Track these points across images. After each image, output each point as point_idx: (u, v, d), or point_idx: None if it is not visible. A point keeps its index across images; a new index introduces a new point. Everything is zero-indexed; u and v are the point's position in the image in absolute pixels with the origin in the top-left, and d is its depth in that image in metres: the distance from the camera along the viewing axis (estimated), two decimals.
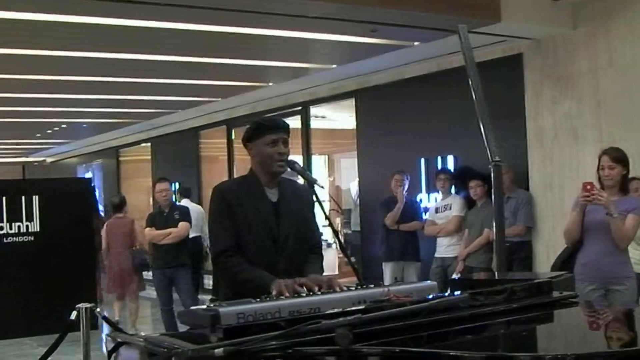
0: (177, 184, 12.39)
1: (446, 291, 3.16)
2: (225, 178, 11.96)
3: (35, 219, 10.22)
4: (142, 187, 16.67)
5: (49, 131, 15.59)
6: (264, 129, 3.77)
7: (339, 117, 13.00)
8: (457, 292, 2.95)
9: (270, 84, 10.47)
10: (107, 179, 19.25)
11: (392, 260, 8.92)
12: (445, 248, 8.42)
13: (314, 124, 11.98)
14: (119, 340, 2.91)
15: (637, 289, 5.42)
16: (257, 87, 10.66)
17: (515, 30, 7.62)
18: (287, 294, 3.21)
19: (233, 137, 13.00)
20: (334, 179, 16.49)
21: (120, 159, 18.61)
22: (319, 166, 14.93)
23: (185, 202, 11.03)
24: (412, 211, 9.01)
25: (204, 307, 2.79)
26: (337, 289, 3.24)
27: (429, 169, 9.25)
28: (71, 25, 6.83)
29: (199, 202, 12.66)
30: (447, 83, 8.65)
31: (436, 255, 8.50)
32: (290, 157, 3.80)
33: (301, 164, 4.20)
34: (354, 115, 10.70)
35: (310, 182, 3.90)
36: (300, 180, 4.22)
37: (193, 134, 14.37)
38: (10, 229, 10.11)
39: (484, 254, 7.96)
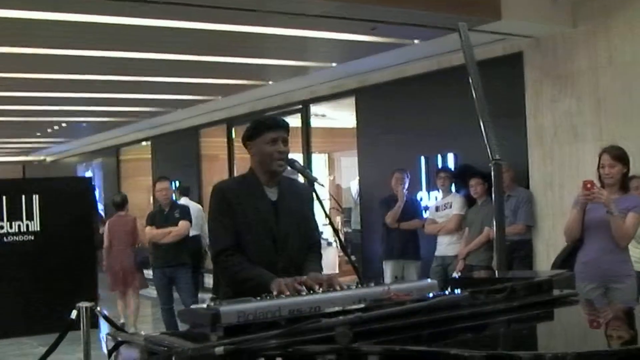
0: (176, 183, 12.39)
1: (446, 290, 3.16)
2: (226, 177, 11.96)
3: (35, 218, 10.24)
4: (142, 186, 16.67)
5: (49, 130, 15.59)
6: (263, 127, 3.76)
7: (339, 115, 13.00)
8: (457, 291, 2.95)
9: (271, 82, 10.47)
10: (107, 177, 19.26)
11: (392, 259, 8.92)
12: (446, 246, 8.42)
13: (314, 122, 11.98)
14: (120, 339, 2.92)
15: (638, 287, 5.42)
16: (257, 85, 10.66)
17: (516, 28, 7.62)
18: (288, 293, 3.21)
19: (233, 135, 13.00)
20: (334, 178, 16.51)
21: (121, 157, 18.61)
22: (319, 165, 14.95)
23: (184, 200, 11.03)
24: (413, 210, 9.00)
25: (205, 306, 2.79)
26: (337, 288, 3.24)
27: (429, 168, 9.24)
28: (71, 24, 6.83)
29: (199, 201, 12.66)
30: (448, 81, 8.65)
31: (436, 253, 8.49)
32: (291, 156, 3.79)
33: (301, 163, 4.20)
34: (354, 113, 10.70)
35: (311, 181, 3.90)
36: (301, 179, 4.22)
37: (193, 132, 14.37)
38: (11, 228, 10.13)
39: (485, 252, 7.96)
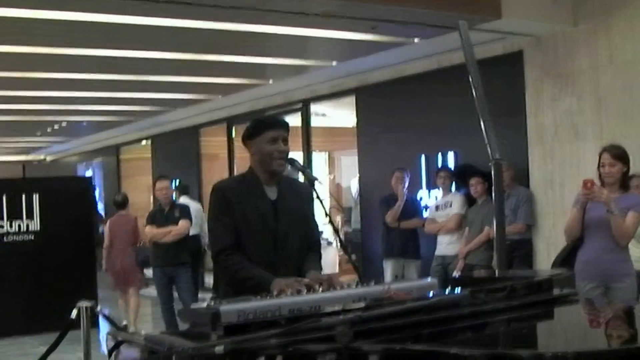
0: (176, 182, 12.39)
1: (446, 289, 3.16)
2: (226, 176, 11.95)
3: (36, 217, 10.25)
4: (143, 185, 16.66)
5: (49, 129, 15.59)
6: (263, 126, 3.76)
7: (339, 114, 13.00)
8: (457, 290, 2.95)
9: (271, 81, 10.47)
10: (107, 177, 19.25)
11: (392, 258, 8.92)
12: (446, 246, 8.41)
13: (315, 121, 11.97)
14: (120, 338, 2.91)
15: (638, 287, 5.42)
16: (257, 84, 10.66)
17: (516, 27, 7.62)
18: (289, 293, 3.21)
19: (233, 134, 13.00)
20: (334, 177, 16.50)
21: (121, 157, 18.61)
22: (319, 164, 14.93)
23: (183, 199, 11.03)
24: (413, 209, 9.00)
25: (205, 305, 2.79)
26: (338, 287, 3.24)
27: (430, 167, 9.24)
28: (71, 23, 6.83)
29: (200, 200, 12.67)
30: (448, 80, 8.64)
31: (436, 253, 8.48)
32: (291, 155, 3.78)
33: (301, 162, 4.20)
34: (355, 112, 10.70)
35: (310, 180, 3.90)
36: (301, 178, 4.22)
37: (193, 131, 14.36)
38: (11, 227, 10.14)
39: (485, 251, 7.96)
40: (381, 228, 9.15)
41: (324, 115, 13.07)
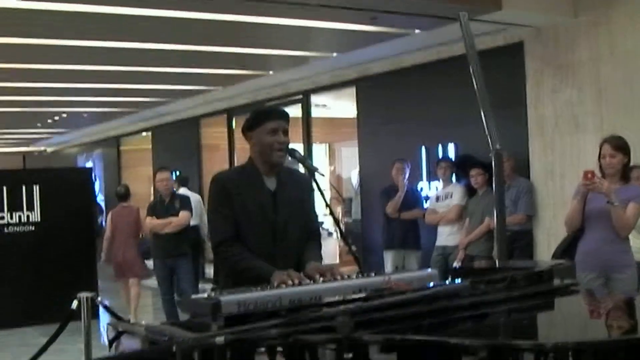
0: (176, 173, 12.39)
1: (447, 280, 3.16)
2: (226, 167, 11.96)
3: (36, 208, 10.25)
4: (143, 176, 16.67)
5: (49, 121, 15.59)
6: (263, 117, 3.75)
7: (339, 105, 12.98)
8: (457, 281, 2.95)
9: (271, 72, 10.46)
10: (107, 168, 19.26)
11: (393, 249, 8.93)
12: (446, 237, 8.42)
13: (315, 112, 11.96)
14: (120, 329, 2.92)
15: (638, 278, 5.42)
16: (257, 75, 10.65)
17: (516, 18, 7.60)
18: (290, 284, 3.21)
19: (234, 125, 12.99)
20: (334, 168, 16.50)
21: (121, 148, 18.61)
22: (319, 155, 14.92)
23: (183, 190, 11.04)
24: (413, 200, 9.00)
25: (205, 295, 2.79)
26: (338, 278, 3.24)
27: (430, 158, 9.23)
28: (71, 14, 6.81)
29: (200, 191, 12.67)
30: (448, 71, 8.63)
31: (437, 243, 8.49)
32: (291, 146, 3.78)
33: (302, 153, 4.19)
34: (355, 103, 10.69)
35: (311, 171, 3.90)
36: (301, 169, 4.22)
37: (194, 122, 14.35)
38: (11, 218, 10.15)
39: (485, 242, 7.96)
40: (382, 219, 9.15)
41: (324, 106, 13.05)
